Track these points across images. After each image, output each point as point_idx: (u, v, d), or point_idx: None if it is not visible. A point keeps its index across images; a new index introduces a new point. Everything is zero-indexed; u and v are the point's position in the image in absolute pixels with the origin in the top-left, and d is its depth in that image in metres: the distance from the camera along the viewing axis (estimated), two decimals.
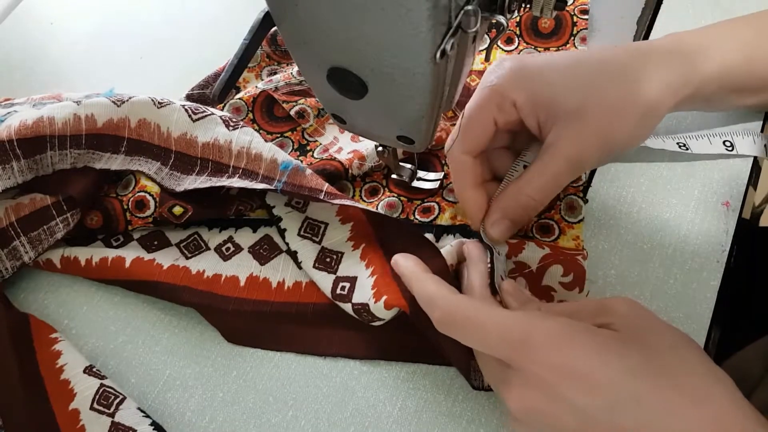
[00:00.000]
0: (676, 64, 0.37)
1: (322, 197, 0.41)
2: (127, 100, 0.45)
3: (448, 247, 0.40)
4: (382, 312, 0.37)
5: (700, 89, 0.37)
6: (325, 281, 0.41)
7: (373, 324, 0.39)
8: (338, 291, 0.40)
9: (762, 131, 0.42)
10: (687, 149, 0.42)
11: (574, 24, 0.51)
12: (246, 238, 0.45)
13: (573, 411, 0.28)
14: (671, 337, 0.30)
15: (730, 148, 0.41)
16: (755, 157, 0.43)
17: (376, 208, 0.45)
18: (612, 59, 0.37)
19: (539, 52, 0.51)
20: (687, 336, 0.31)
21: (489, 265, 0.37)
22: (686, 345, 0.30)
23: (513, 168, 0.40)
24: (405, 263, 0.36)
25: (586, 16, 0.51)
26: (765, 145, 0.41)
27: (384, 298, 0.37)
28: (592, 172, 0.44)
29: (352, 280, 0.40)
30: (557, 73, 0.37)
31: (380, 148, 0.42)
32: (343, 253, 0.42)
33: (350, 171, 0.45)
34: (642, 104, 0.36)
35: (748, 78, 0.39)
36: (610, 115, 0.36)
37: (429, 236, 0.43)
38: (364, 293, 0.39)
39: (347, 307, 0.39)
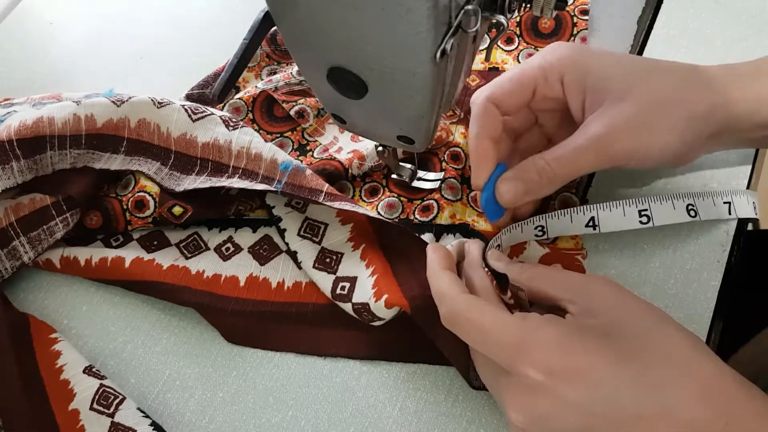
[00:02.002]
0: (732, 80, 0.36)
1: (321, 198, 0.41)
2: (127, 100, 0.45)
3: (448, 246, 0.40)
4: (382, 311, 0.37)
5: (755, 114, 0.36)
6: (324, 281, 0.41)
7: (374, 324, 0.39)
8: (338, 291, 0.40)
9: (750, 178, 0.42)
10: (649, 221, 0.39)
11: (574, 24, 0.51)
12: (246, 238, 0.45)
13: (576, 409, 0.28)
14: (649, 316, 0.31)
15: (693, 214, 0.40)
16: (755, 156, 0.43)
17: (376, 208, 0.45)
18: (671, 64, 0.36)
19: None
20: (662, 311, 0.31)
21: (486, 270, 0.37)
22: (664, 321, 0.31)
23: None
24: (430, 255, 0.36)
25: (586, 17, 0.51)
26: (726, 203, 0.40)
27: (385, 297, 0.37)
28: (592, 173, 0.44)
29: (352, 280, 0.40)
30: (614, 62, 0.36)
31: (380, 148, 0.42)
32: (342, 254, 0.42)
33: (350, 171, 0.45)
34: (691, 107, 0.35)
35: None
36: (655, 108, 0.34)
37: (429, 236, 0.43)
38: (364, 293, 0.39)
39: (347, 307, 0.39)
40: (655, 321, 0.30)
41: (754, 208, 0.41)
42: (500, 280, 0.36)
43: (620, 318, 0.30)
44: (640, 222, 0.38)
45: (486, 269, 0.37)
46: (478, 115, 0.38)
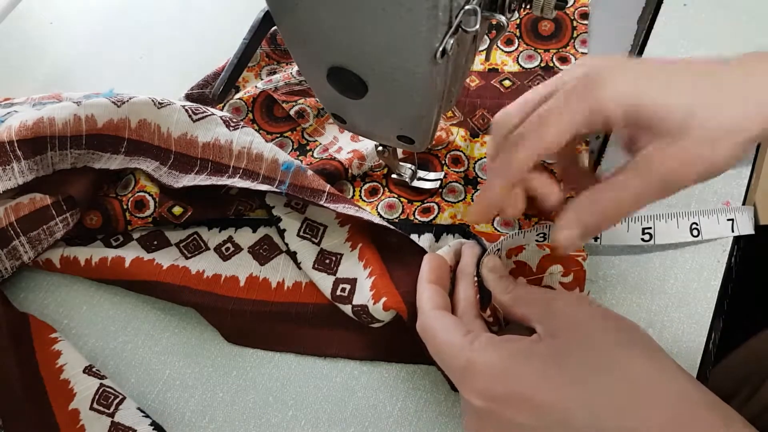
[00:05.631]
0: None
1: (324, 200, 0.41)
2: (127, 101, 0.45)
3: (446, 248, 0.40)
4: (380, 313, 0.37)
5: None
6: (324, 282, 0.41)
7: (373, 326, 0.39)
8: (338, 292, 0.40)
9: (744, 203, 0.42)
10: (651, 239, 0.40)
11: (574, 28, 0.51)
12: (246, 238, 0.45)
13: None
14: (614, 335, 0.30)
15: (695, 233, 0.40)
16: (756, 156, 0.43)
17: (376, 208, 0.45)
18: (721, 78, 0.33)
19: (539, 53, 0.51)
20: (635, 328, 0.30)
21: (476, 278, 0.37)
22: (630, 341, 0.29)
23: None
24: (423, 265, 0.37)
25: (585, 21, 0.51)
26: (729, 220, 0.41)
27: (383, 300, 0.37)
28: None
29: (352, 282, 0.40)
30: (660, 83, 0.32)
31: (380, 148, 0.42)
32: (342, 255, 0.42)
33: (350, 171, 0.45)
34: (748, 132, 0.31)
35: None
36: (715, 141, 0.31)
37: (428, 236, 0.43)
38: (363, 294, 0.39)
39: (347, 309, 0.39)
40: (619, 341, 0.29)
41: (754, 223, 0.41)
42: (483, 297, 0.36)
43: (581, 338, 0.29)
44: (642, 239, 0.40)
45: (476, 278, 0.37)
46: (509, 169, 0.33)
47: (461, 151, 0.46)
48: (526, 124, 0.32)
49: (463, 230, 0.43)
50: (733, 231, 0.40)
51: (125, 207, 0.45)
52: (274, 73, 0.53)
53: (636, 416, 0.27)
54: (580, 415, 0.27)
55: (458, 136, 0.47)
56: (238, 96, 0.50)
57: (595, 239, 0.40)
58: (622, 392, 0.27)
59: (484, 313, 0.36)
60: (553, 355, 0.29)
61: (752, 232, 0.41)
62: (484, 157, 0.46)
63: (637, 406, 0.27)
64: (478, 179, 0.45)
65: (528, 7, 0.32)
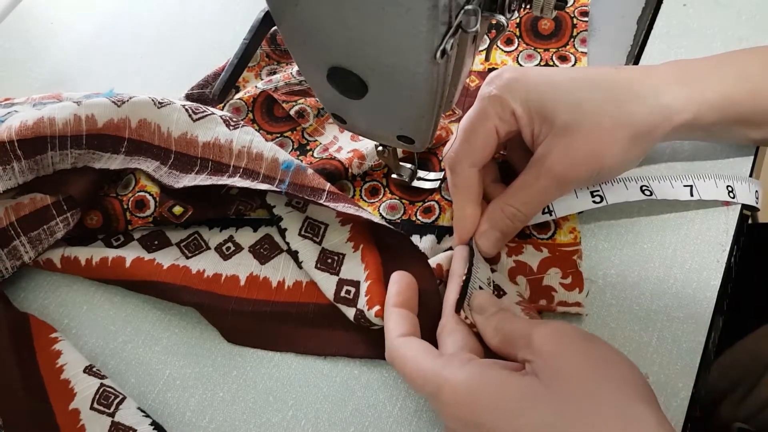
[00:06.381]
0: (675, 90, 0.36)
1: (324, 199, 0.41)
2: (128, 101, 0.45)
3: (448, 252, 0.40)
4: (375, 319, 0.38)
5: (699, 118, 0.37)
6: (327, 282, 0.41)
7: (373, 328, 0.39)
8: (342, 294, 0.40)
9: (751, 175, 0.42)
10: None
11: (574, 26, 0.51)
12: (247, 237, 0.45)
13: None
14: (592, 373, 0.29)
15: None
16: (755, 156, 0.43)
17: (378, 210, 0.45)
18: (610, 79, 0.37)
19: (539, 53, 0.51)
20: (621, 364, 0.30)
21: (464, 278, 0.37)
22: (613, 381, 0.29)
23: None
24: (390, 288, 0.37)
25: (586, 19, 0.51)
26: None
27: (376, 308, 0.38)
28: None
29: (356, 285, 0.40)
30: (554, 86, 0.37)
31: (380, 148, 0.42)
32: (344, 255, 0.42)
33: (350, 170, 0.45)
34: (635, 127, 0.36)
35: (752, 111, 0.38)
36: (602, 135, 0.36)
37: (431, 237, 0.43)
38: (361, 299, 0.39)
39: (350, 313, 0.39)
40: (592, 392, 0.28)
41: (756, 197, 0.41)
42: (458, 300, 0.36)
43: (555, 372, 0.29)
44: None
45: (462, 279, 0.37)
46: (463, 185, 0.39)
47: None
48: (456, 139, 0.38)
49: None
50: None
51: (126, 207, 0.45)
52: (274, 73, 0.53)
53: None
54: None
55: None
56: (238, 96, 0.50)
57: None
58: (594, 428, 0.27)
59: (459, 315, 0.36)
60: (526, 390, 0.29)
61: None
62: None
63: None
64: None
65: (528, 7, 0.32)
